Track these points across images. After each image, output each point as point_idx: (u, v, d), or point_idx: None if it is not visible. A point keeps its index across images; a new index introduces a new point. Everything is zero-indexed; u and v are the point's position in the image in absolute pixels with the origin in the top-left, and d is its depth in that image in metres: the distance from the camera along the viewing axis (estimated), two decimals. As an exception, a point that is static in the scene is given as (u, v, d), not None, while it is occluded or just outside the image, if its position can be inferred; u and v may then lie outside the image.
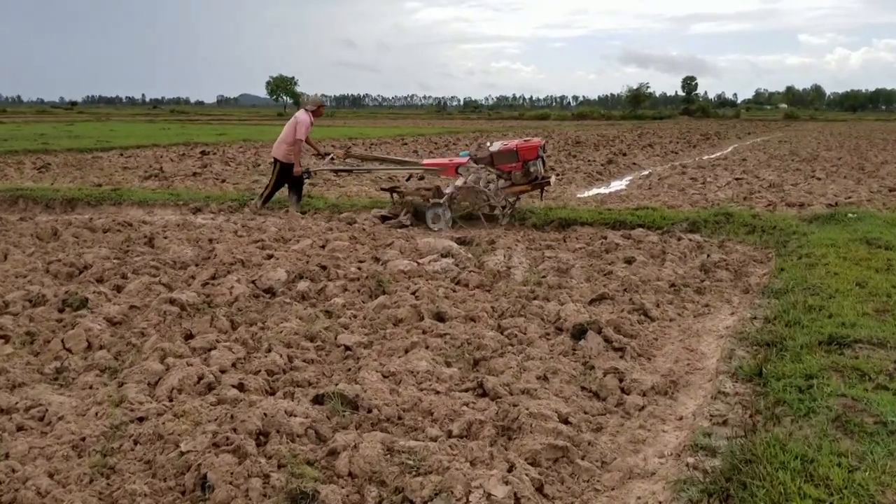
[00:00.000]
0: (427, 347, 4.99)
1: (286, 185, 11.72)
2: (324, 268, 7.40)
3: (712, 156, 27.68)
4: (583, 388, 4.58)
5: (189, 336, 5.38)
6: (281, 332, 5.40)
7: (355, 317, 5.89)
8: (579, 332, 5.36)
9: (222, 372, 4.67)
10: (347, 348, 5.18)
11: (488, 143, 11.07)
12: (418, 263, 7.54)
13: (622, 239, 9.07)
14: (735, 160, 24.66)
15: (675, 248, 8.60)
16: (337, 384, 4.30)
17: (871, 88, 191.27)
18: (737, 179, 17.79)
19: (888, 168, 20.69)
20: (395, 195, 11.04)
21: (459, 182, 10.55)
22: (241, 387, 4.40)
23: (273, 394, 4.40)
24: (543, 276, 7.28)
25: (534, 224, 10.67)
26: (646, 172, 20.41)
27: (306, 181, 12.10)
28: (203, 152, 25.12)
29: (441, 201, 10.27)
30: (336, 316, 5.93)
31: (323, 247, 8.58)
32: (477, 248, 8.57)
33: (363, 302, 6.35)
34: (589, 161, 23.50)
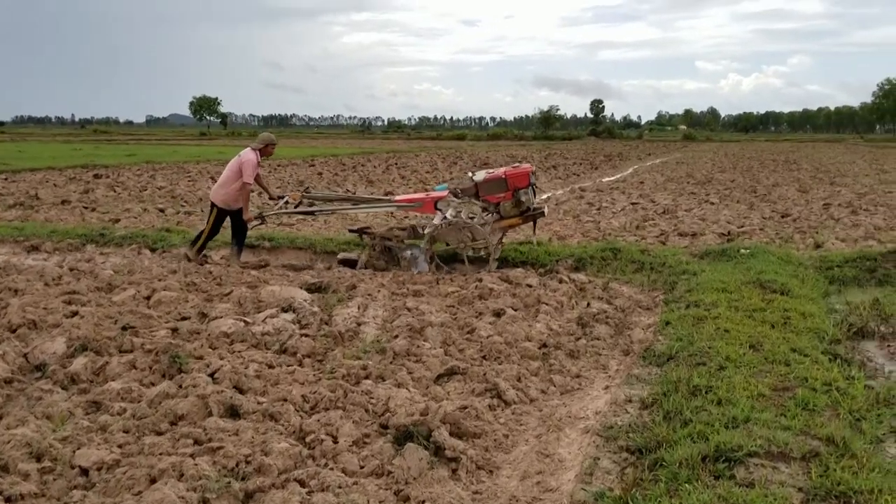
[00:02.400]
0: (181, 477, 3.44)
1: (230, 231, 9.38)
2: (128, 329, 5.79)
3: (612, 178, 26.81)
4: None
5: None
6: (8, 442, 3.78)
7: (123, 412, 4.29)
8: (404, 437, 3.91)
9: None
10: (84, 471, 3.59)
11: (470, 173, 9.30)
12: (246, 323, 5.98)
13: (498, 282, 7.68)
14: (633, 182, 23.78)
15: (554, 294, 7.25)
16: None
17: (762, 111, 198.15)
18: (633, 204, 16.75)
19: (779, 191, 20.02)
20: (365, 237, 9.22)
21: (438, 219, 8.76)
22: None
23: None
24: (395, 337, 5.82)
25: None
26: (544, 197, 19.25)
27: (256, 227, 9.64)
28: (96, 175, 22.94)
29: (419, 242, 8.67)
30: (103, 410, 4.34)
31: (148, 297, 6.94)
32: (332, 297, 7.05)
33: (149, 386, 4.76)
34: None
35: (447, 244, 8.73)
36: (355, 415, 4.24)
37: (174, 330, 5.90)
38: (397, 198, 9.92)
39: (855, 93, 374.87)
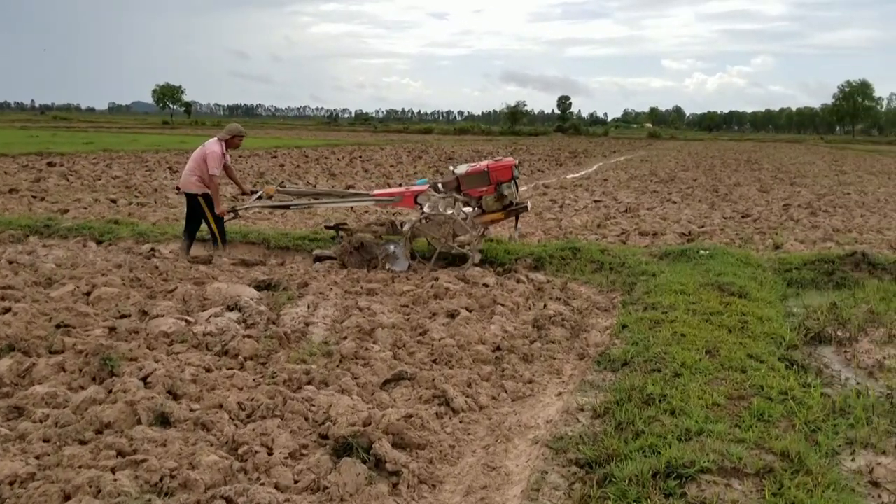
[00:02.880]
0: (98, 493, 3.19)
1: (191, 222, 9.03)
2: (62, 327, 5.50)
3: (577, 175, 26.77)
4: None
5: None
6: None
7: (45, 419, 4.02)
8: (343, 449, 3.70)
9: None
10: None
11: (451, 167, 9.00)
12: (188, 322, 5.72)
13: (455, 281, 7.49)
14: (597, 180, 23.76)
15: (511, 294, 7.08)
16: None
17: (726, 110, 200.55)
18: (595, 202, 16.69)
19: (741, 191, 20.12)
20: (341, 233, 8.88)
21: (418, 213, 8.52)
22: None
23: None
24: (344, 338, 5.60)
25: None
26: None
27: (229, 220, 9.32)
28: (49, 163, 22.27)
29: (397, 238, 8.38)
30: (25, 416, 4.06)
31: (88, 293, 6.63)
32: (282, 295, 6.80)
33: (78, 390, 4.48)
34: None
35: (428, 240, 8.50)
36: (294, 424, 4.02)
37: (112, 329, 5.61)
38: (375, 192, 9.62)
39: (815, 94, 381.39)
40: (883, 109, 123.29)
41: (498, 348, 5.64)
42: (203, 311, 6.14)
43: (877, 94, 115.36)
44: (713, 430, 3.79)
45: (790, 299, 7.65)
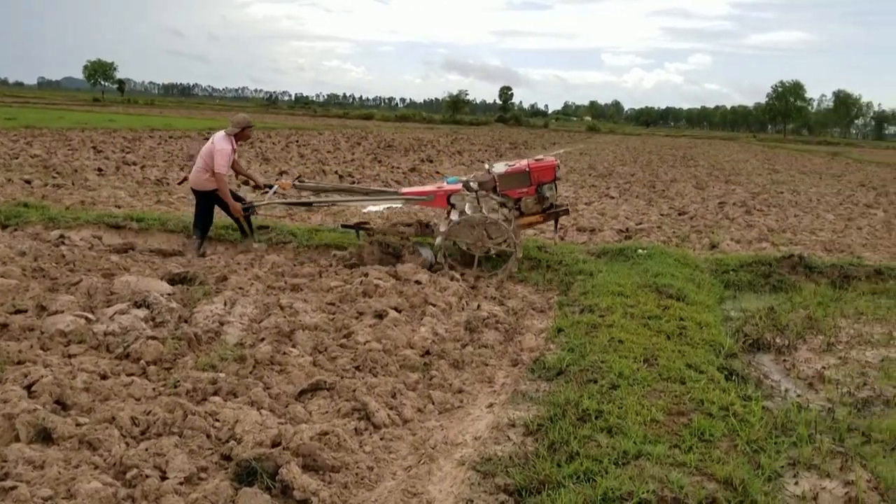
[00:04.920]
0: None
1: (203, 218, 8.45)
2: (-56, 328, 4.95)
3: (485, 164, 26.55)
4: None
5: None
6: None
7: None
8: (247, 473, 3.30)
9: None
10: None
11: (487, 165, 8.40)
12: (88, 320, 5.22)
13: (386, 277, 7.10)
14: (537, 172, 23.59)
15: (443, 294, 6.73)
16: None
17: (663, 106, 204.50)
18: (534, 195, 16.46)
19: (677, 187, 20.20)
20: (362, 233, 8.29)
21: (455, 215, 7.82)
22: None
23: None
24: (260, 340, 5.19)
25: (297, 250, 8.54)
26: (416, 188, 18.76)
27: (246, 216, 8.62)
28: (-38, 139, 21.04)
29: (428, 239, 7.85)
30: None
31: (-18, 287, 6.03)
32: (198, 290, 6.33)
33: (-51, 400, 3.97)
34: (393, 167, 21.64)
35: (461, 243, 7.87)
36: (193, 442, 3.60)
37: (3, 326, 5.08)
38: (404, 190, 8.96)
39: (749, 93, 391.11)
40: (813, 110, 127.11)
41: (427, 353, 5.29)
42: (108, 306, 5.63)
43: (808, 94, 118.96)
44: (652, 453, 3.52)
45: (727, 302, 7.52)
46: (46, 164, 16.51)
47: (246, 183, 10.21)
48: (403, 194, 8.63)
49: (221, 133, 8.31)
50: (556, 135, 70.44)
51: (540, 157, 8.42)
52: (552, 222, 8.60)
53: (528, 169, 8.02)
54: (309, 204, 8.69)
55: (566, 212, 8.28)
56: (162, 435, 3.63)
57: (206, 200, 8.35)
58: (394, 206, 10.18)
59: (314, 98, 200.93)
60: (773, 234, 12.17)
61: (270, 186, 8.74)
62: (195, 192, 8.40)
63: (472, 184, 8.12)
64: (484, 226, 7.67)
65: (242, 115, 8.69)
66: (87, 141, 23.69)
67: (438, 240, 7.76)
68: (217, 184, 8.12)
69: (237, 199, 8.47)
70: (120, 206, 10.94)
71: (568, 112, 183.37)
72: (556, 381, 4.72)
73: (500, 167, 8.27)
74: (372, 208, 10.84)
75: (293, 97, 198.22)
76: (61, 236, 8.15)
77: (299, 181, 9.06)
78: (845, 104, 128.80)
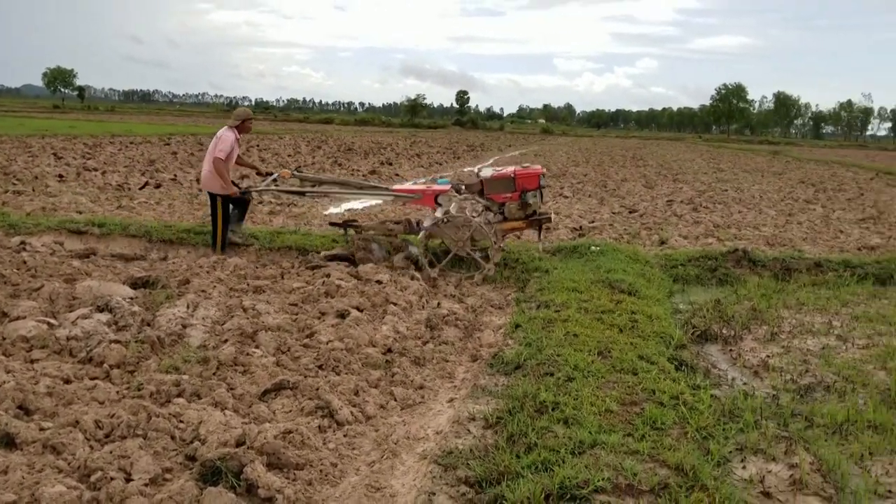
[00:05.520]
0: None
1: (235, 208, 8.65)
2: None
3: (474, 168, 26.66)
4: None
5: None
6: None
7: None
8: (211, 473, 3.26)
9: None
10: None
11: (476, 170, 8.39)
12: (50, 325, 5.10)
13: (347, 277, 7.07)
14: (493, 173, 23.67)
15: (404, 293, 6.72)
16: None
17: (613, 109, 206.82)
18: (491, 196, 16.52)
19: (628, 186, 20.45)
20: (349, 231, 8.27)
21: (440, 213, 7.85)
22: None
23: None
24: (224, 342, 5.12)
25: (259, 252, 8.45)
26: (407, 185, 18.73)
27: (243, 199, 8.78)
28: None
29: (419, 236, 7.75)
30: None
31: (-61, 294, 5.86)
32: (160, 294, 6.23)
33: None
34: (353, 170, 21.55)
35: (445, 242, 7.93)
36: (158, 444, 3.54)
37: (-42, 334, 4.94)
38: (395, 187, 9.02)
39: (694, 96, 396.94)
40: (755, 111, 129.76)
41: (389, 350, 5.28)
42: (71, 311, 5.52)
43: (750, 96, 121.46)
44: (607, 442, 3.55)
45: (676, 295, 7.64)
46: (6, 170, 16.09)
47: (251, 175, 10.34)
48: (394, 191, 8.73)
49: (224, 128, 8.54)
50: (511, 137, 70.78)
51: (527, 164, 8.44)
52: (537, 230, 8.42)
53: (513, 175, 7.99)
54: (302, 193, 8.81)
55: (548, 219, 8.24)
56: (126, 437, 3.56)
57: (223, 202, 8.39)
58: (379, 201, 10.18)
59: (274, 103, 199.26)
60: (718, 229, 12.38)
61: (271, 174, 8.88)
62: (209, 194, 8.51)
63: (462, 186, 8.23)
64: (469, 227, 7.68)
65: (242, 108, 8.98)
66: (47, 147, 23.13)
67: (421, 234, 7.80)
68: (215, 167, 8.19)
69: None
70: (81, 212, 10.70)
71: (523, 115, 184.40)
72: (514, 374, 4.74)
73: (487, 172, 8.28)
74: (333, 210, 10.87)
75: (253, 102, 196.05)
76: (22, 242, 7.95)
77: (297, 171, 9.14)
78: (785, 105, 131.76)
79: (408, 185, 9.45)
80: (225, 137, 8.33)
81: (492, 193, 8.07)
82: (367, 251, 7.98)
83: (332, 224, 9.08)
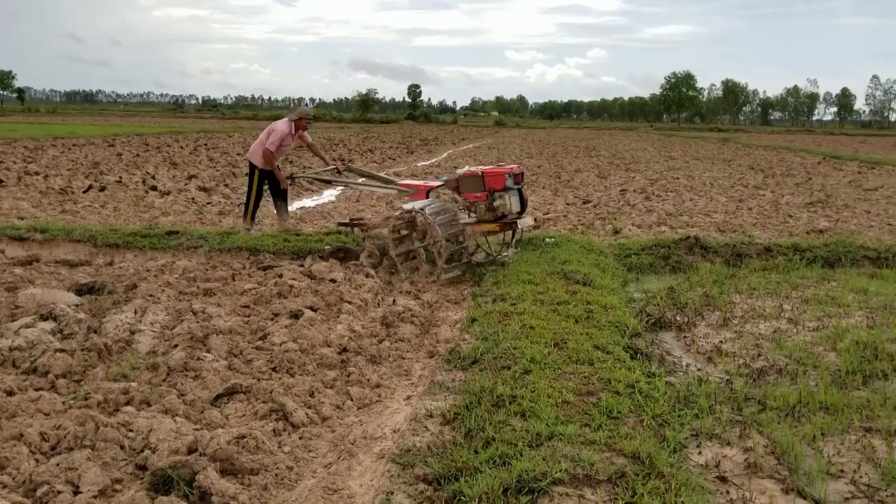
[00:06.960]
0: None
1: (273, 193, 9.79)
2: None
3: (427, 162, 26.68)
4: None
5: None
6: None
7: None
8: (163, 482, 3.20)
9: None
10: None
11: (467, 167, 8.04)
12: (-9, 337, 4.94)
13: (301, 277, 7.01)
14: (447, 167, 23.67)
15: (358, 291, 6.68)
16: None
17: (565, 100, 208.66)
18: (445, 190, 16.53)
19: (581, 177, 20.64)
20: (356, 230, 8.29)
21: (420, 205, 7.53)
22: None
23: None
24: (173, 347, 5.03)
25: (208, 253, 8.32)
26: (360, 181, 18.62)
27: (288, 186, 9.82)
28: None
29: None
30: None
31: None
32: (107, 300, 6.10)
33: None
34: (305, 167, 21.33)
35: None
36: (107, 454, 3.46)
37: None
38: (400, 181, 9.13)
39: (644, 85, 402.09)
40: (704, 99, 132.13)
41: (344, 350, 5.24)
42: (13, 321, 5.37)
43: (699, 84, 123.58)
44: (564, 433, 3.58)
45: (631, 284, 7.73)
46: (-60, 177, 15.57)
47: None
48: (399, 185, 8.92)
49: (284, 119, 9.47)
50: (465, 130, 70.89)
51: (503, 163, 8.41)
52: (511, 234, 8.10)
53: (480, 174, 7.74)
54: (330, 181, 10.23)
55: (515, 224, 7.85)
56: (73, 449, 3.47)
57: (260, 175, 9.37)
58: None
59: (222, 101, 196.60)
60: (670, 217, 12.57)
61: (331, 166, 9.77)
62: (250, 163, 9.52)
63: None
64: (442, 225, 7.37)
65: (304, 107, 10.19)
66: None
67: (387, 230, 7.74)
68: (265, 158, 9.18)
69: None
70: (23, 218, 10.42)
71: (476, 108, 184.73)
72: (471, 369, 4.74)
73: (462, 169, 8.10)
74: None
75: (200, 100, 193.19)
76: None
77: (350, 163, 10.24)
78: (733, 92, 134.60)
79: (409, 181, 9.43)
80: (279, 130, 9.17)
81: (465, 191, 7.85)
82: (380, 257, 7.86)
83: (340, 224, 9.42)
